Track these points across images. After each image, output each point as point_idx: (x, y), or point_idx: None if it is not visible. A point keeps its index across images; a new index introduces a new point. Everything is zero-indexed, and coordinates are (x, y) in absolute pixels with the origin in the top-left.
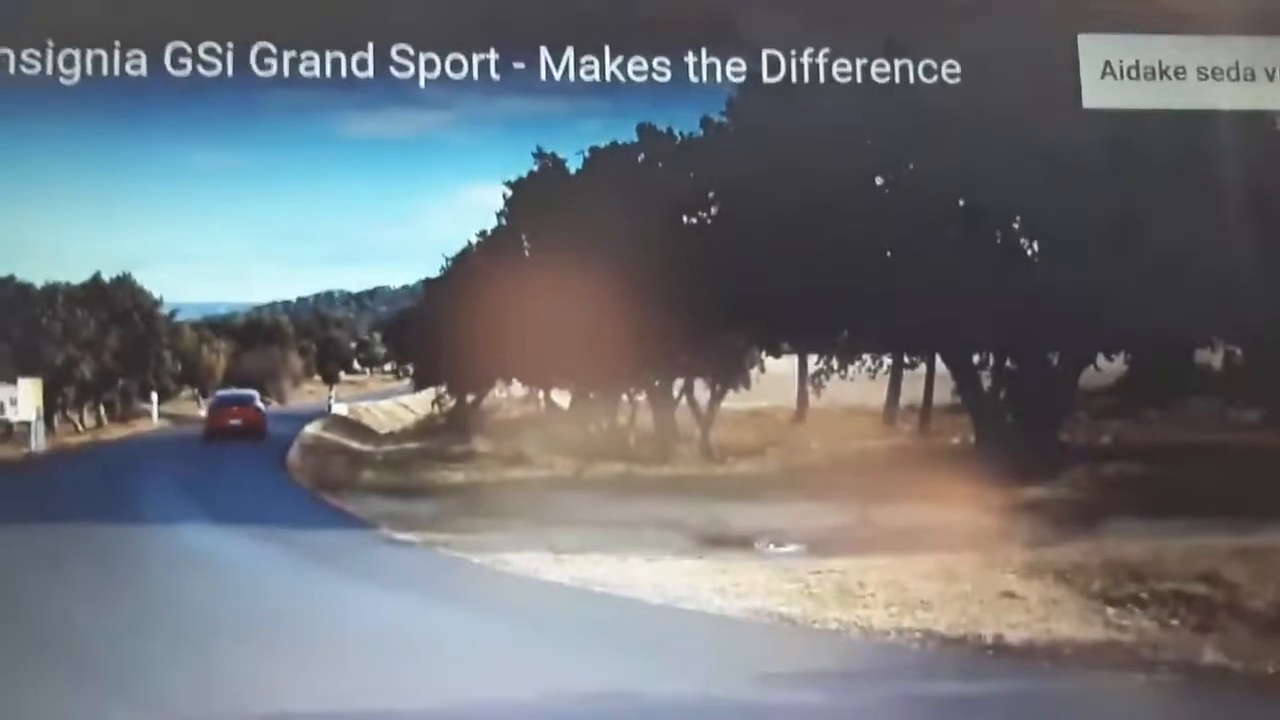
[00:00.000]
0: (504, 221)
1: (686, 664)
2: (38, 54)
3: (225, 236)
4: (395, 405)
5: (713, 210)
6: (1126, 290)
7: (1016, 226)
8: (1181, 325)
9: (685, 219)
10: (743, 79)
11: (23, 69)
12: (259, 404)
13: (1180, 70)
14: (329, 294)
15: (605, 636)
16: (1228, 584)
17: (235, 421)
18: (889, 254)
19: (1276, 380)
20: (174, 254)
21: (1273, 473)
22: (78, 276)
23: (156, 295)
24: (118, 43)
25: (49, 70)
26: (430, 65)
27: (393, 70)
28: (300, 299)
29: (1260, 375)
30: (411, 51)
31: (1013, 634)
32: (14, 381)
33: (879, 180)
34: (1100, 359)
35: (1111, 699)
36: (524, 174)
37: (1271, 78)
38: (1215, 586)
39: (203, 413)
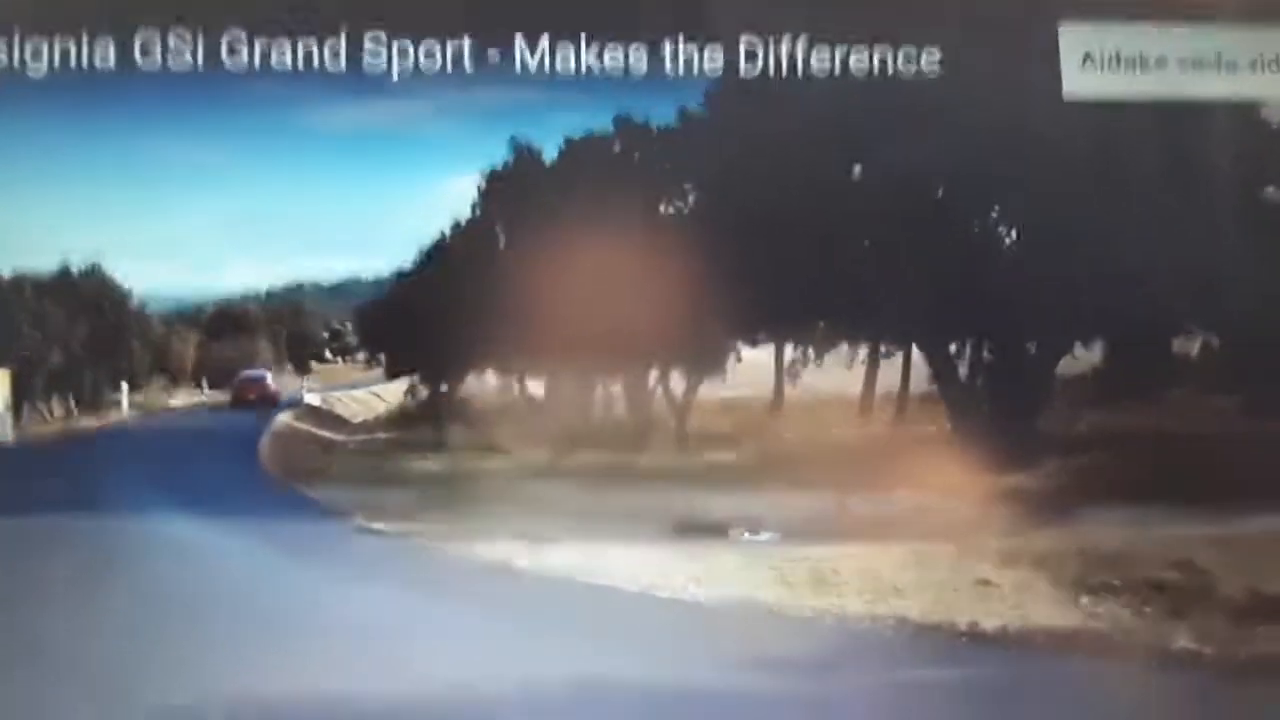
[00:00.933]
0: (478, 212)
1: (661, 652)
2: (3, 44)
3: (196, 228)
4: (368, 394)
5: (689, 201)
6: (1103, 279)
7: (994, 216)
8: (1158, 314)
9: (662, 209)
10: (720, 70)
11: None
12: (269, 381)
13: (1162, 60)
14: (300, 285)
15: (580, 625)
16: (1201, 571)
17: (251, 396)
18: (866, 244)
19: (1252, 368)
20: (144, 245)
21: (1246, 461)
22: (46, 267)
23: (126, 286)
24: (85, 33)
25: (16, 62)
26: (403, 54)
27: (365, 59)
28: (271, 291)
29: (1236, 363)
30: (384, 39)
31: (987, 621)
32: None
33: (857, 170)
34: (1077, 347)
35: (1085, 685)
36: (499, 165)
37: (1253, 68)
38: (1188, 574)
39: (173, 403)
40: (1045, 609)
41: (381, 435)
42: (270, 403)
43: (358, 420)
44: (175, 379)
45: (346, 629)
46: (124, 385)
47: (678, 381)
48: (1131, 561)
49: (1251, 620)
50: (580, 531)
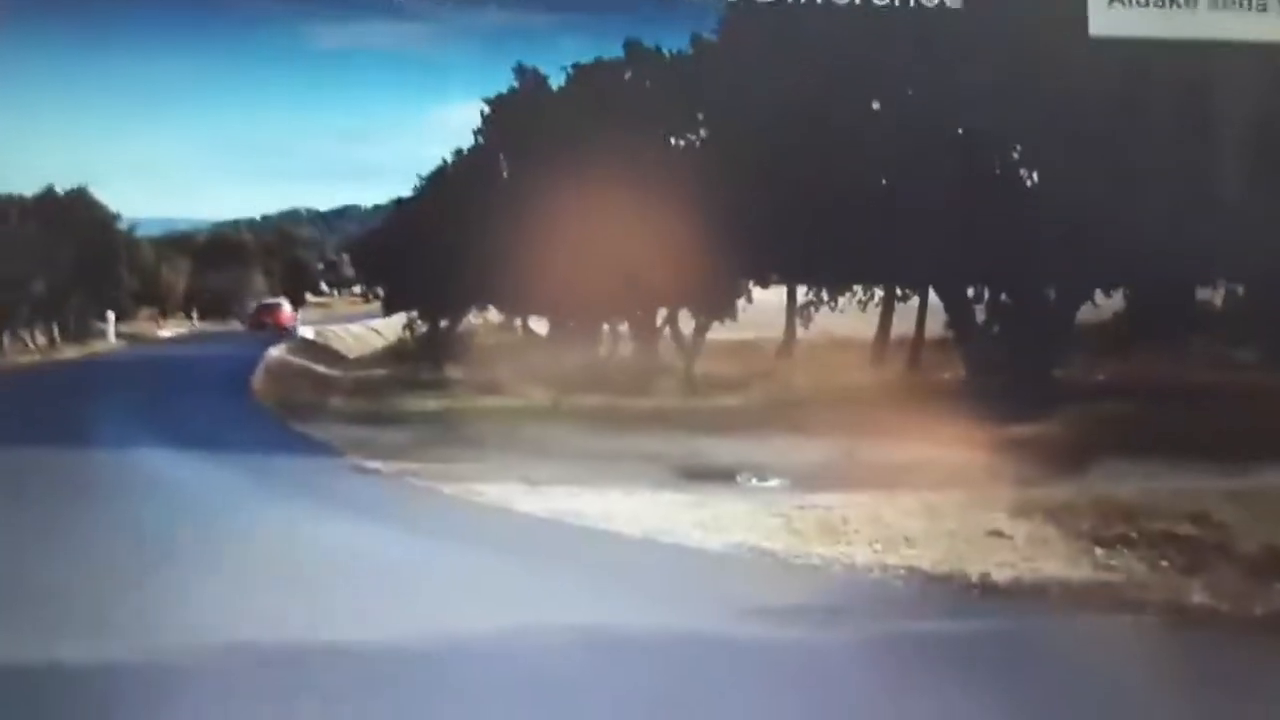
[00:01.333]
0: (482, 140)
1: (664, 598)
2: None
3: (188, 150)
4: (364, 329)
5: (702, 133)
6: (1128, 224)
7: (1016, 156)
8: (1183, 261)
9: (672, 141)
10: None
11: None
12: (285, 308)
13: None
14: (295, 212)
15: (581, 569)
16: (1218, 525)
17: (267, 320)
18: (884, 182)
19: (1277, 319)
20: (133, 167)
21: (1267, 415)
22: (30, 189)
23: (114, 209)
24: None
25: None
26: None
27: None
28: (265, 216)
29: (1261, 314)
30: None
31: (999, 573)
32: None
33: (876, 105)
34: (1098, 295)
35: (1098, 639)
36: (504, 91)
37: None
38: (1205, 528)
39: (163, 334)
40: (1058, 561)
41: (379, 372)
42: (281, 331)
43: (353, 356)
44: (165, 309)
45: (337, 570)
46: (110, 315)
47: (686, 322)
48: (1147, 514)
49: (1268, 576)
50: (582, 475)
